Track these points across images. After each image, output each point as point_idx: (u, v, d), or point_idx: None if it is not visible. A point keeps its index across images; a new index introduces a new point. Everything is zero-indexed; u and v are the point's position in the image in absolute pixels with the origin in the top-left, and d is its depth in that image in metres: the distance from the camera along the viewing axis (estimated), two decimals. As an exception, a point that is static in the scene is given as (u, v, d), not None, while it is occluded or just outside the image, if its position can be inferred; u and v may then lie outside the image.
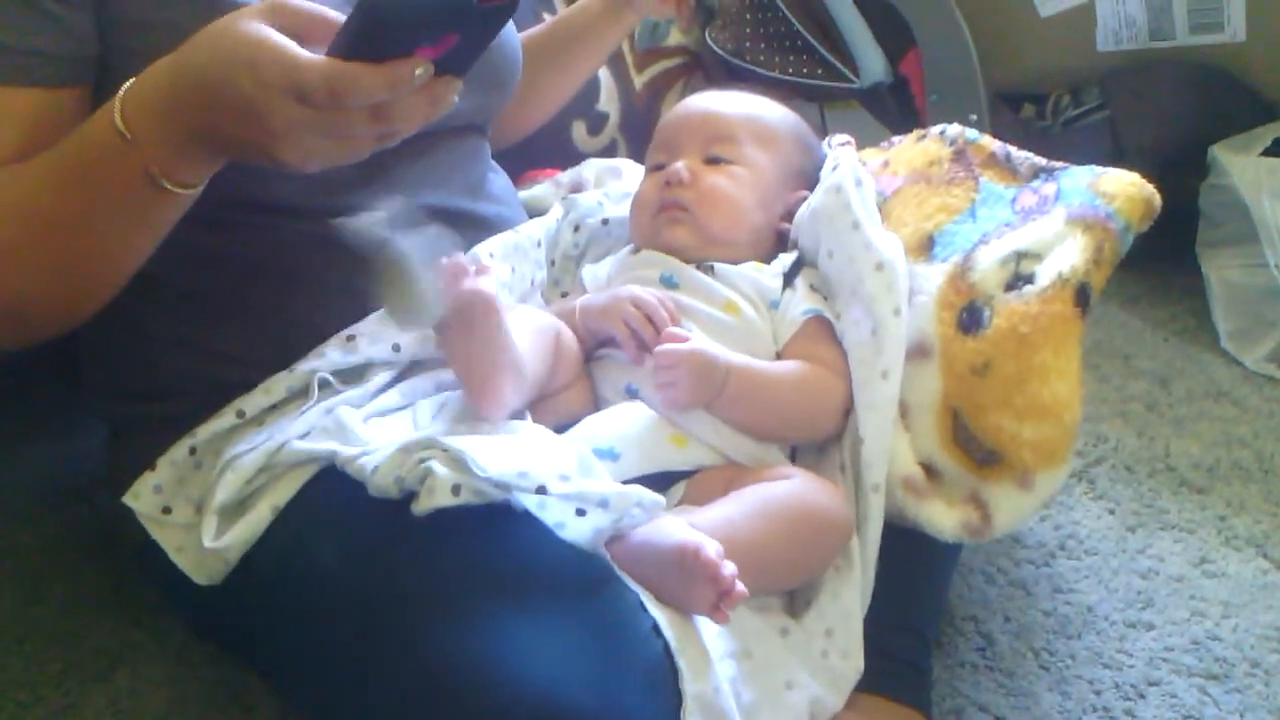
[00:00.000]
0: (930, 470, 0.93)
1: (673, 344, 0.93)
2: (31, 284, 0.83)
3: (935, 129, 1.11)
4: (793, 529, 0.86)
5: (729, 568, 0.75)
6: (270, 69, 0.70)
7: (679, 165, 1.05)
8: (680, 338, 0.94)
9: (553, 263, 1.13)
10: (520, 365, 0.85)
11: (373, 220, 0.78)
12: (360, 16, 0.69)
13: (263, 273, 0.93)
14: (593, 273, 1.09)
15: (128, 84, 0.77)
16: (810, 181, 1.10)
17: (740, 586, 0.75)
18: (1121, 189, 0.95)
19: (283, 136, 0.72)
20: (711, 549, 0.76)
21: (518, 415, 0.92)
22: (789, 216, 1.08)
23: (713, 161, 1.06)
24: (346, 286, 0.94)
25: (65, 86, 0.86)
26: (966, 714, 1.00)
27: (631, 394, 0.96)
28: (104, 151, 0.78)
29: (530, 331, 0.91)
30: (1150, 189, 0.96)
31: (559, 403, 0.95)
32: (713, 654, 0.77)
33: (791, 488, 0.88)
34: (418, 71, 0.71)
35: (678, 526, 0.79)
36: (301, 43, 0.72)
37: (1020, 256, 0.94)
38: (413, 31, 0.70)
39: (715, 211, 1.04)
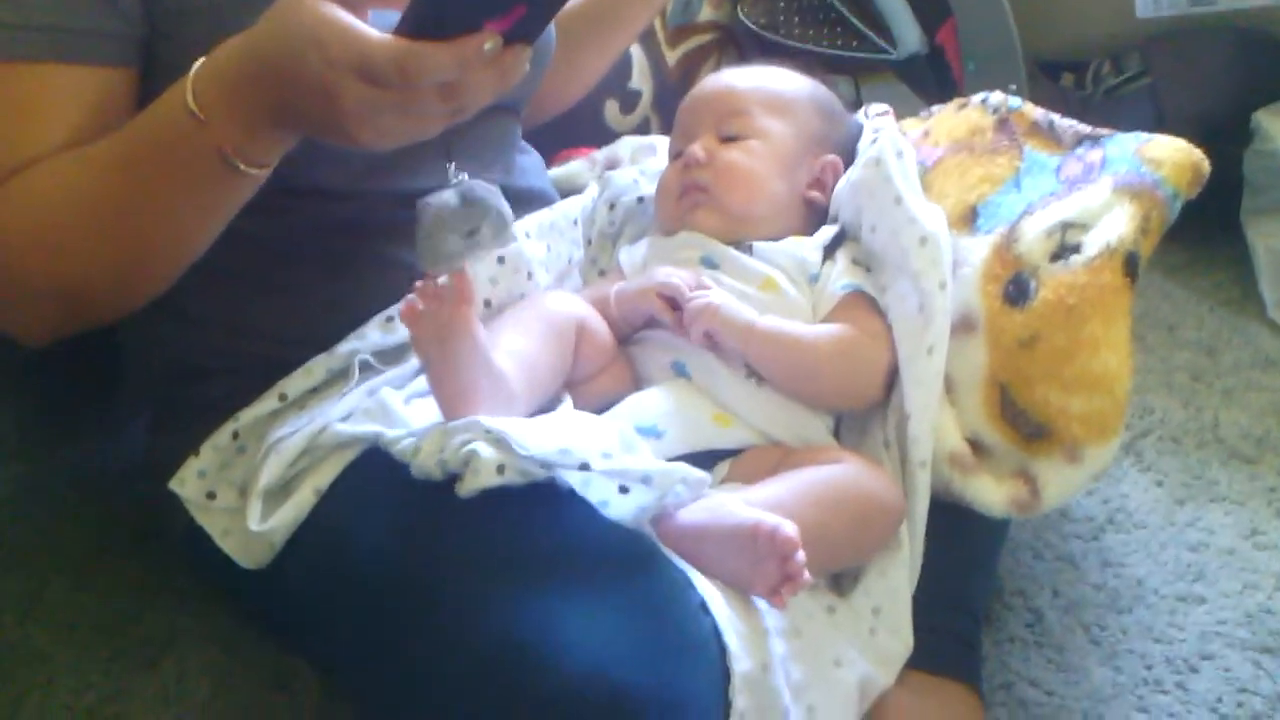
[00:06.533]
0: (977, 445, 0.92)
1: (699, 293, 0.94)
2: (96, 268, 0.83)
3: (976, 97, 1.09)
4: (843, 513, 0.85)
5: (800, 553, 0.74)
6: (337, 48, 0.70)
7: (695, 147, 1.05)
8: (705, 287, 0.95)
9: (589, 241, 1.13)
10: (499, 381, 0.83)
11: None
12: None
13: (303, 255, 0.93)
14: (629, 255, 1.08)
15: (197, 64, 0.77)
16: (837, 147, 1.09)
17: (807, 574, 0.74)
18: (1169, 156, 0.94)
19: (354, 115, 0.72)
20: (789, 530, 0.75)
21: (556, 399, 0.92)
22: (816, 184, 1.07)
23: (728, 139, 1.06)
24: (385, 268, 0.94)
25: (119, 67, 0.87)
26: (1017, 689, 0.99)
27: (679, 370, 0.95)
28: (176, 132, 0.78)
29: (542, 336, 0.91)
30: (1198, 155, 0.94)
31: (596, 386, 0.95)
32: (760, 632, 0.77)
33: (843, 471, 0.87)
34: (486, 46, 0.70)
35: (740, 505, 0.79)
36: (364, 5, 0.72)
37: (1066, 226, 0.92)
38: (480, 7, 0.69)
39: (734, 187, 1.03)
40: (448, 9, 0.69)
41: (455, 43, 0.69)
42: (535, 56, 1.08)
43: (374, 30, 0.70)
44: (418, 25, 0.69)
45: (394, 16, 0.71)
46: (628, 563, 0.75)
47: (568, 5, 1.27)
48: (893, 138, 1.01)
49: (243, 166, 0.78)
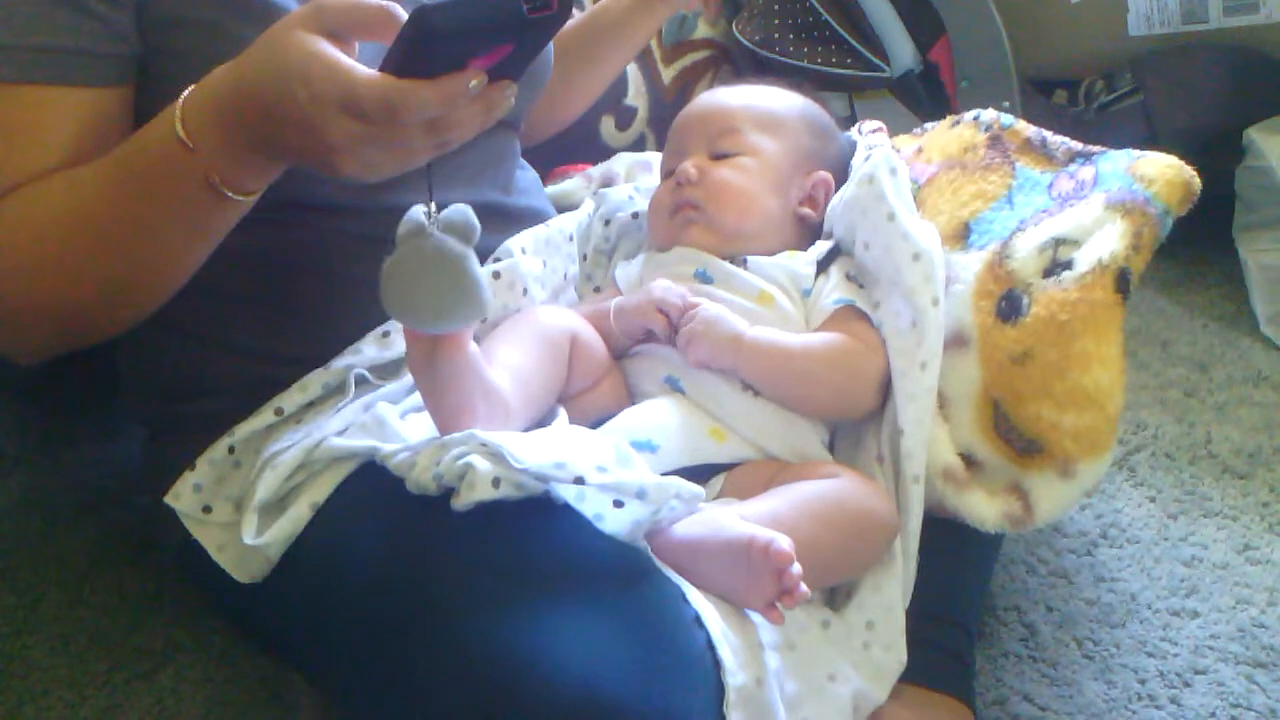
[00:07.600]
0: (970, 460, 0.92)
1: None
2: (85, 291, 0.84)
3: (969, 114, 1.10)
4: (838, 527, 0.85)
5: (796, 567, 0.74)
6: (323, 84, 0.70)
7: (686, 164, 1.05)
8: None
9: (584, 257, 1.14)
10: (494, 397, 0.84)
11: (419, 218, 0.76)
12: (412, 32, 0.69)
13: (299, 270, 0.94)
14: (625, 271, 1.09)
15: (186, 92, 0.78)
16: (829, 164, 1.10)
17: (804, 588, 0.74)
18: (1160, 172, 0.94)
19: (340, 150, 0.73)
20: (784, 544, 0.75)
21: (551, 413, 0.92)
22: (808, 200, 1.08)
23: (720, 157, 1.06)
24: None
25: (113, 86, 0.87)
26: (1010, 704, 0.99)
27: (672, 384, 0.96)
28: (165, 159, 0.78)
29: (536, 350, 0.91)
30: (1189, 171, 0.94)
31: (591, 400, 0.96)
32: (755, 647, 0.77)
33: (838, 486, 0.88)
34: (472, 83, 0.71)
35: (735, 519, 0.79)
36: (352, 39, 0.73)
37: (1058, 243, 0.93)
38: (466, 45, 0.70)
39: (726, 205, 1.04)
40: (434, 48, 0.69)
41: (441, 81, 0.70)
42: (534, 73, 1.10)
43: (361, 66, 0.71)
44: (404, 62, 0.70)
45: (382, 48, 0.72)
46: (622, 577, 0.76)
47: (565, 25, 1.29)
48: (886, 154, 1.01)
49: (230, 194, 0.79)
